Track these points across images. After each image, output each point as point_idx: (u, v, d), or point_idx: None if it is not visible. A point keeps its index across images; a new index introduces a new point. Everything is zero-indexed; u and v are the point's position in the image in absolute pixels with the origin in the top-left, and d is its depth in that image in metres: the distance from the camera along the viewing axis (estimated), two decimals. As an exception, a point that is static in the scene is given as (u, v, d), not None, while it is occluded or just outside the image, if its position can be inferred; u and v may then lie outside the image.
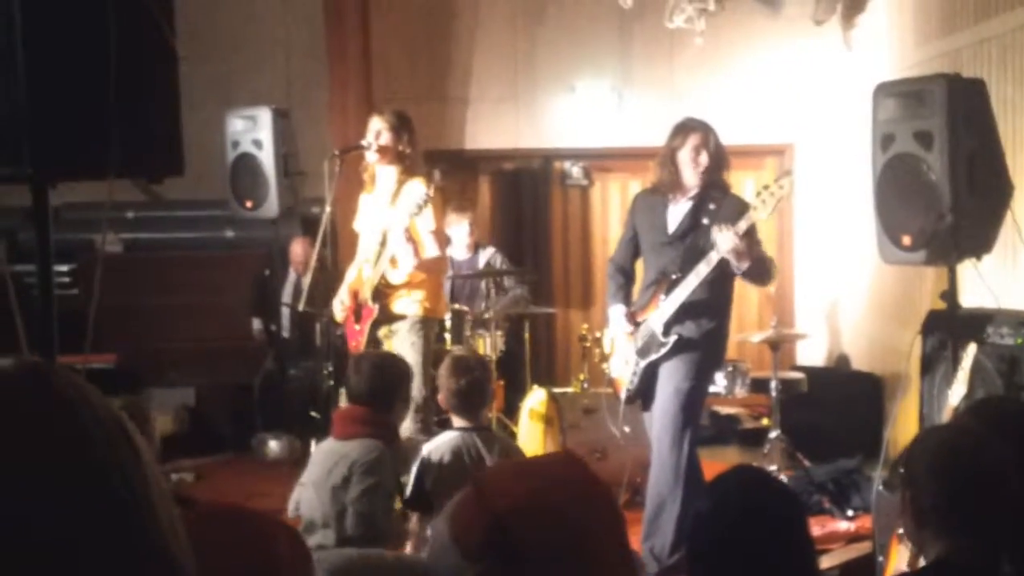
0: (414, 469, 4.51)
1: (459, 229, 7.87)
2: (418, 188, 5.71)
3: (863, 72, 7.72)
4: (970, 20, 6.27)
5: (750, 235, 5.14)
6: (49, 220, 2.85)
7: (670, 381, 5.32)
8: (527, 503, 2.03)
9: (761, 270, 5.23)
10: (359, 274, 6.11)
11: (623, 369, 5.53)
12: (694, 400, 5.37)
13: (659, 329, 5.32)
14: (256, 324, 8.57)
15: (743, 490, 2.36)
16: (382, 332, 5.95)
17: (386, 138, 5.92)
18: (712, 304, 5.35)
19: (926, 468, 2.48)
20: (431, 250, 5.90)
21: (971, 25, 6.25)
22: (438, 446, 4.49)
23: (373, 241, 5.95)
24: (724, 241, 5.04)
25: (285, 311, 8.30)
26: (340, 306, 6.08)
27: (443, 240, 6.18)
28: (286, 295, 8.35)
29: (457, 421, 4.57)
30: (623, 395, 5.56)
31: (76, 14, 2.70)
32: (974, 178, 4.66)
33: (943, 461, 2.47)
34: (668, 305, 5.29)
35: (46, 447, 1.10)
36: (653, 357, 5.36)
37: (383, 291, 5.90)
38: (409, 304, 5.91)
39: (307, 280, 6.32)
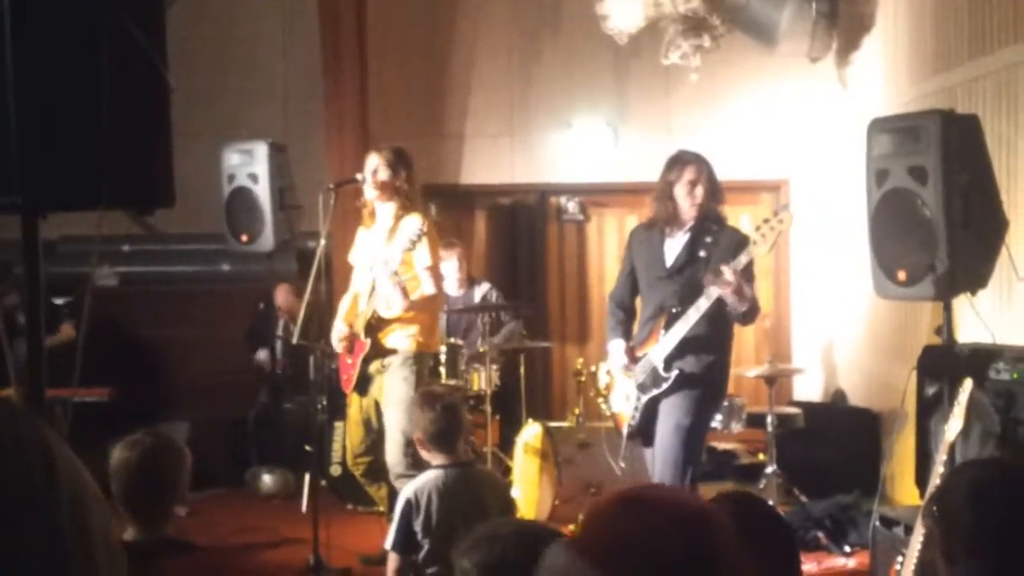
0: (397, 511, 4.45)
1: (449, 265, 7.86)
2: (413, 222, 5.68)
3: (858, 108, 7.75)
4: (964, 57, 6.30)
5: (747, 271, 5.13)
6: (39, 252, 2.84)
7: (671, 417, 5.27)
8: None
9: (750, 311, 5.22)
10: (354, 305, 6.08)
11: (624, 405, 5.48)
12: (695, 436, 5.32)
13: (660, 364, 5.27)
14: (261, 355, 8.41)
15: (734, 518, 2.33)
16: (374, 367, 5.92)
17: (384, 174, 5.90)
18: (713, 338, 5.31)
19: (963, 501, 2.43)
20: (426, 287, 5.86)
21: (966, 62, 6.28)
22: (422, 486, 4.42)
23: (369, 275, 5.92)
24: (721, 288, 5.02)
25: (279, 345, 8.27)
26: (339, 335, 6.04)
27: (439, 276, 6.15)
28: (279, 330, 8.32)
29: (436, 459, 4.51)
30: (625, 431, 5.50)
31: (68, 44, 2.70)
32: (969, 213, 4.66)
33: (982, 494, 2.42)
34: (668, 340, 5.24)
35: None
36: (654, 392, 5.31)
37: (375, 325, 5.87)
38: (402, 338, 5.88)
39: (301, 310, 6.27)
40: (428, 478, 4.45)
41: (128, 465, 3.27)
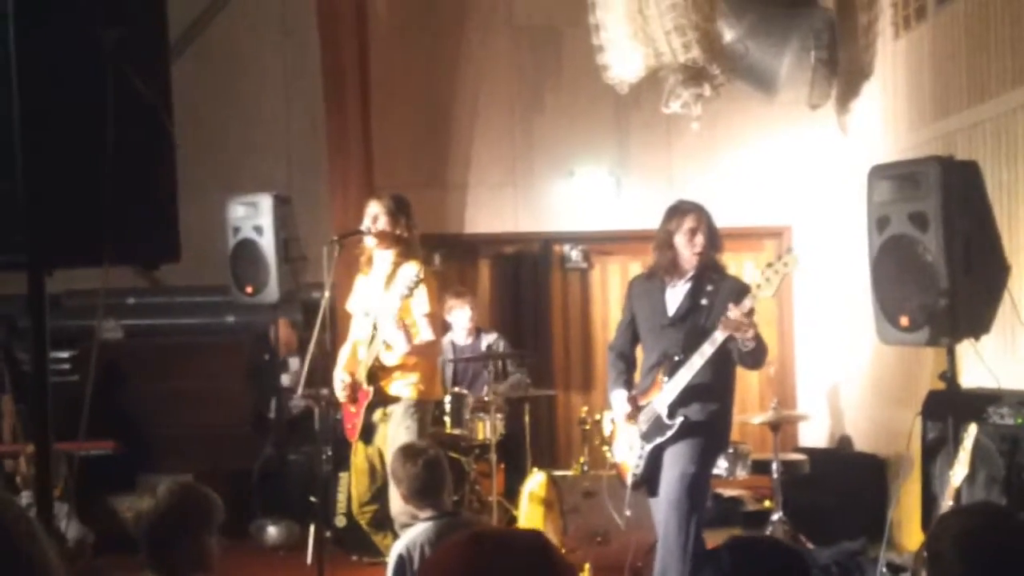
0: (390, 569, 4.42)
1: (460, 315, 7.88)
2: (410, 269, 5.73)
3: (858, 155, 7.78)
4: (963, 103, 6.34)
5: (749, 317, 5.13)
6: (45, 307, 2.85)
7: (675, 465, 5.26)
8: None
9: (758, 352, 5.20)
10: (354, 354, 6.10)
11: (627, 454, 5.47)
12: (700, 484, 5.30)
13: (664, 412, 5.27)
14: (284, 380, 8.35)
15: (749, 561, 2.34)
16: (377, 415, 5.93)
17: (383, 222, 5.95)
18: (716, 386, 5.31)
19: (951, 545, 2.45)
20: (425, 334, 5.89)
21: (965, 108, 6.32)
22: (413, 541, 4.39)
23: (367, 323, 5.95)
24: (730, 327, 5.01)
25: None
26: (341, 384, 6.06)
27: (437, 323, 6.17)
28: (284, 379, 8.31)
29: (423, 512, 4.50)
30: (629, 480, 5.48)
31: (74, 101, 2.73)
32: (970, 259, 4.68)
33: (969, 537, 2.43)
34: (672, 387, 5.24)
35: None
36: (658, 440, 5.30)
37: (377, 373, 5.89)
38: (403, 387, 5.90)
39: (306, 361, 6.28)
40: (417, 532, 4.44)
41: (146, 510, 3.34)
